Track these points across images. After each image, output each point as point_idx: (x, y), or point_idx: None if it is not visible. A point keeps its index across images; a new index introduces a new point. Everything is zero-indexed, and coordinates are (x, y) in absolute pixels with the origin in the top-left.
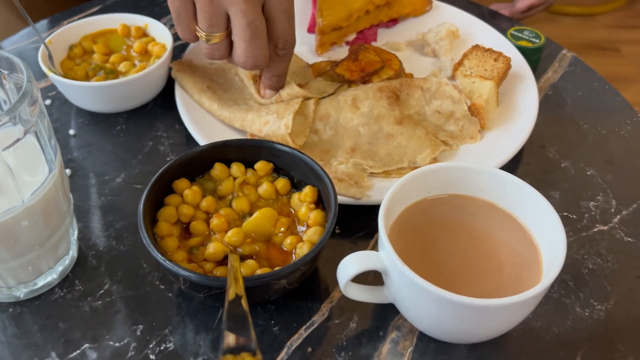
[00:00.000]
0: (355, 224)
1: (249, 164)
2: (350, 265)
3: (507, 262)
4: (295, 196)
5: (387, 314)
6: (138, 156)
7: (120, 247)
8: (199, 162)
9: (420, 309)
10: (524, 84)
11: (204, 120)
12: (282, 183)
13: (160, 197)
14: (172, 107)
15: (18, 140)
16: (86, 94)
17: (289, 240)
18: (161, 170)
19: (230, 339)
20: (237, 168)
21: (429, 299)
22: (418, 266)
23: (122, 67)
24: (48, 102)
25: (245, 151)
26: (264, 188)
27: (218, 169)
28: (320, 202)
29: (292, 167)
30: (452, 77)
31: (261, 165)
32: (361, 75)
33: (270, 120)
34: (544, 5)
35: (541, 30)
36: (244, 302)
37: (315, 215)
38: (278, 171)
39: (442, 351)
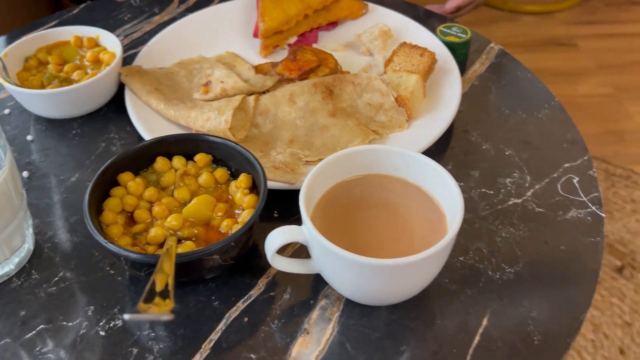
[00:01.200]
0: (292, 209)
1: (189, 157)
2: (275, 238)
3: (418, 228)
4: (233, 184)
5: (317, 285)
6: (92, 157)
7: (74, 239)
8: (142, 157)
9: (341, 276)
10: (449, 76)
11: (153, 120)
12: (220, 172)
13: (106, 190)
14: (124, 111)
15: None
16: (41, 101)
17: (225, 223)
18: (106, 164)
19: (148, 288)
20: (177, 160)
21: (345, 265)
22: (338, 239)
23: (75, 75)
24: (7, 111)
25: (185, 145)
26: (204, 178)
27: (160, 162)
28: (255, 188)
29: (229, 157)
30: (384, 73)
31: (200, 157)
32: (299, 73)
33: (211, 116)
34: (472, 6)
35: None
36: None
37: (249, 199)
38: (217, 162)
39: (366, 314)
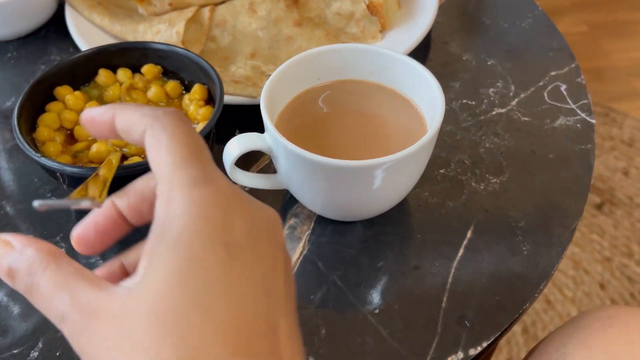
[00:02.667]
0: (255, 126)
1: (136, 70)
2: (233, 146)
3: (395, 134)
4: (186, 97)
5: (286, 204)
6: (29, 79)
7: (10, 165)
8: (82, 70)
9: (310, 187)
10: None
11: (98, 39)
12: (171, 85)
13: (42, 105)
14: (66, 33)
15: None
16: None
17: None
18: (39, 75)
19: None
20: (123, 73)
21: (315, 171)
22: (305, 146)
23: None
24: None
25: (131, 55)
26: (153, 92)
27: (103, 74)
28: (211, 100)
29: (181, 68)
30: None
31: (148, 69)
32: None
33: (162, 29)
34: None
35: None
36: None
37: (204, 111)
38: (168, 75)
39: (339, 231)
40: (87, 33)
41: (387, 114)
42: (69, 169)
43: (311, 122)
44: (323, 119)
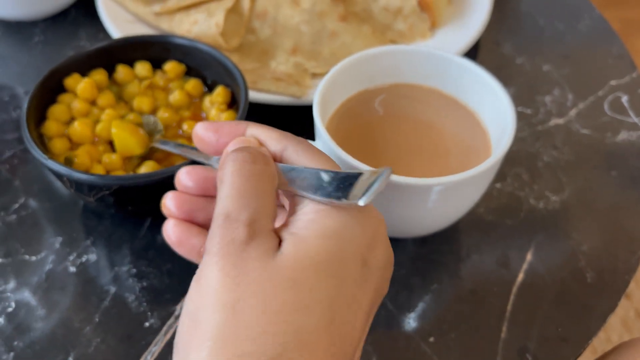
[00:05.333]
0: (295, 128)
1: (156, 64)
2: None
3: (455, 149)
4: (207, 98)
5: None
6: None
7: (35, 160)
8: (99, 63)
9: None
10: None
11: (130, 26)
12: (192, 84)
13: (53, 99)
14: (96, 16)
15: None
16: None
17: None
18: (52, 68)
19: None
20: (142, 67)
21: None
22: (358, 156)
23: None
24: None
25: (152, 49)
26: (176, 96)
27: (122, 71)
28: (234, 104)
29: (204, 66)
30: None
31: (172, 67)
32: None
33: (199, 19)
34: None
35: None
36: None
37: (226, 116)
38: (190, 71)
39: None
40: (118, 19)
41: (446, 124)
42: (77, 175)
43: (364, 127)
44: (377, 124)
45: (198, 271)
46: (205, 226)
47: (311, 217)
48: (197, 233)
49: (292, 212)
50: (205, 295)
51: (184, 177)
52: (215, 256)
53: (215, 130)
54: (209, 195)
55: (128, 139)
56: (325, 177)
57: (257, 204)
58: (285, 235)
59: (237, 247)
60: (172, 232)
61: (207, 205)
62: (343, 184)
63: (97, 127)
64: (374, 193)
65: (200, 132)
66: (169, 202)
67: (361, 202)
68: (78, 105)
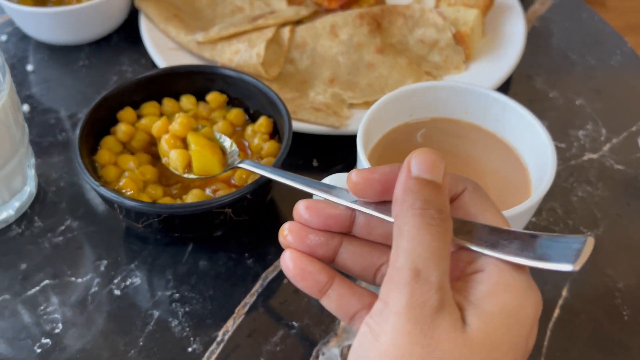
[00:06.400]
0: (334, 157)
1: (199, 93)
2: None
3: (494, 185)
4: (249, 127)
5: None
6: (101, 91)
7: (82, 183)
8: (146, 92)
9: None
10: (510, 13)
11: (172, 53)
12: (235, 113)
13: (104, 126)
14: (138, 41)
15: None
16: (42, 21)
17: (238, 175)
18: (102, 96)
19: None
20: (187, 100)
21: None
22: None
23: None
24: (4, 37)
25: (197, 79)
26: (220, 126)
27: (167, 104)
28: (277, 134)
29: (247, 96)
30: (437, 6)
31: (214, 97)
32: (340, 3)
33: (241, 48)
34: None
35: None
36: None
37: (269, 146)
38: (232, 102)
39: None
40: (161, 47)
41: (485, 160)
42: (129, 203)
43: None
44: None
45: (373, 324)
46: (324, 260)
47: (490, 289)
48: (320, 269)
49: (462, 271)
50: (388, 356)
51: (304, 212)
52: (403, 317)
53: (386, 174)
54: (329, 230)
55: (209, 159)
56: (534, 240)
57: (445, 265)
58: (466, 305)
59: (428, 314)
60: (293, 265)
61: (330, 241)
62: (545, 248)
63: (170, 126)
64: (584, 257)
65: (356, 179)
66: (289, 234)
67: (577, 267)
68: (129, 131)
